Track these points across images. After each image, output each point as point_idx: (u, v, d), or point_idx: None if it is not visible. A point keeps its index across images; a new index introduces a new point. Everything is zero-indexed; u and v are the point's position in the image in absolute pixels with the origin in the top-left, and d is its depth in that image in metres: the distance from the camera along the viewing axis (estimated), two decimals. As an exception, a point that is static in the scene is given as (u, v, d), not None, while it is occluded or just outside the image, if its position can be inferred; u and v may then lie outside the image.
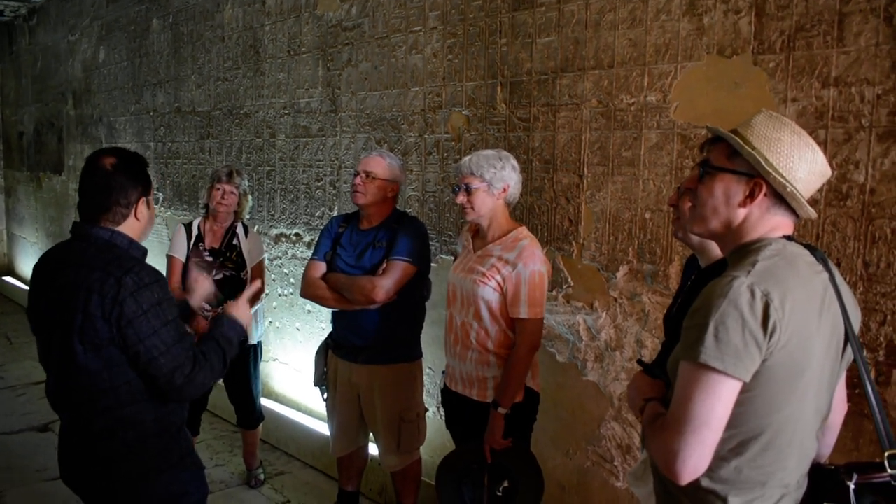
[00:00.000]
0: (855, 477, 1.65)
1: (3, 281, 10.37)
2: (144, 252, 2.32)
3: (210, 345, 2.32)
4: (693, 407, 1.51)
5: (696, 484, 1.62)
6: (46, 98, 9.55)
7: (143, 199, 2.27)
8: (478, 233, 3.09)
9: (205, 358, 2.25)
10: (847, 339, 1.69)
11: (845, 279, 2.54)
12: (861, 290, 2.54)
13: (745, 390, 1.54)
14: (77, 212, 2.32)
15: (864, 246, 2.52)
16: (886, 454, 1.64)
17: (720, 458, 1.60)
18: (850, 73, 2.50)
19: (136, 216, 2.26)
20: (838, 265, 2.57)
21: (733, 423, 1.56)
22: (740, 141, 1.64)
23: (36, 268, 2.35)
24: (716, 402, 1.50)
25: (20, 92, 10.51)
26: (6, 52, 11.00)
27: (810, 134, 2.55)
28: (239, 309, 2.53)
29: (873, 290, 2.52)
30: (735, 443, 1.60)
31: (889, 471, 1.63)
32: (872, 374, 2.54)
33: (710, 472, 1.60)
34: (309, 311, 5.03)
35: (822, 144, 2.56)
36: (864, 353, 2.53)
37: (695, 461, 1.51)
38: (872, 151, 2.47)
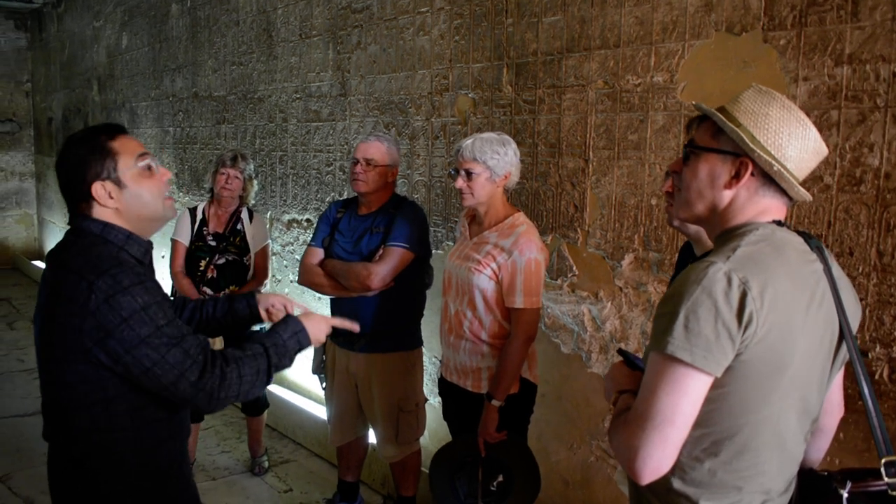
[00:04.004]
0: (849, 485, 1.52)
1: (34, 265, 10.48)
2: (147, 247, 1.95)
3: (252, 350, 1.90)
4: (657, 401, 1.39)
5: (667, 486, 1.50)
6: (73, 84, 9.61)
7: (100, 182, 1.84)
8: (474, 219, 2.98)
9: (227, 363, 1.83)
10: (842, 336, 1.55)
11: (858, 269, 2.40)
12: (875, 282, 2.38)
13: (718, 386, 1.41)
14: None
15: (878, 234, 2.37)
16: (883, 461, 1.50)
17: (693, 459, 1.48)
18: (865, 49, 2.34)
19: (101, 204, 1.86)
20: (851, 254, 2.42)
21: (706, 421, 1.44)
22: (723, 117, 1.51)
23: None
24: (681, 398, 1.38)
25: (49, 78, 10.60)
26: (36, 40, 11.11)
27: (822, 115, 2.43)
28: (313, 320, 2.09)
29: (888, 281, 2.36)
30: (708, 443, 1.47)
31: (886, 479, 1.50)
32: (886, 372, 2.39)
33: (683, 473, 1.49)
34: (319, 298, 4.95)
35: (835, 126, 2.41)
36: (878, 348, 2.39)
37: (656, 460, 1.39)
38: (888, 133, 2.31)
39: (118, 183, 1.86)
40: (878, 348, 2.39)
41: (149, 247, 1.97)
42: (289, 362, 1.99)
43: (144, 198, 1.90)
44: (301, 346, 2.01)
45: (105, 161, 1.85)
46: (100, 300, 1.72)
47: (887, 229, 2.35)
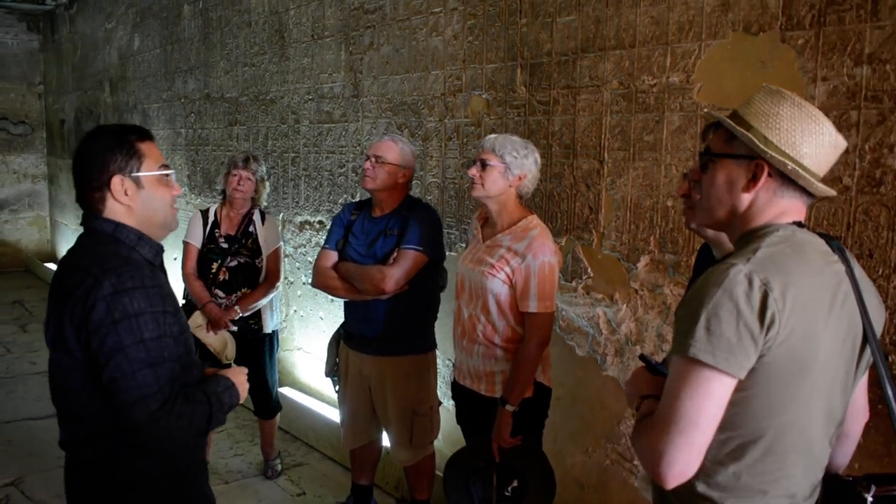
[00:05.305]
0: (873, 489, 1.51)
1: (46, 267, 10.52)
2: (158, 249, 1.95)
3: (197, 396, 1.86)
4: (681, 405, 1.38)
5: (691, 490, 1.49)
6: (85, 86, 9.64)
7: (119, 176, 1.85)
8: (487, 221, 2.96)
9: (186, 401, 1.80)
10: (866, 338, 1.53)
11: (878, 271, 2.37)
12: (895, 284, 2.35)
13: (742, 389, 1.40)
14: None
15: (899, 236, 2.34)
16: None
17: (717, 463, 1.47)
18: (885, 49, 2.31)
19: (115, 198, 1.86)
20: (870, 256, 2.39)
21: (731, 424, 1.43)
22: (731, 122, 1.50)
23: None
24: (705, 401, 1.37)
25: (61, 80, 10.64)
26: (49, 42, 11.15)
27: (841, 116, 2.40)
28: (238, 376, 2.05)
29: (908, 283, 2.33)
30: (733, 446, 1.46)
31: None
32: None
33: (707, 477, 1.47)
34: (332, 301, 4.96)
35: (854, 126, 2.38)
36: (898, 352, 2.36)
37: (682, 464, 1.38)
38: (909, 134, 2.29)
39: (137, 182, 1.89)
40: (898, 352, 2.36)
41: (160, 249, 1.97)
42: (223, 418, 1.93)
43: (157, 203, 1.93)
44: (231, 403, 1.97)
45: (131, 158, 1.87)
46: (99, 296, 1.73)
47: (908, 231, 2.32)
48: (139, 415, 1.74)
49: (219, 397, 1.91)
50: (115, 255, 1.82)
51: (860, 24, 2.36)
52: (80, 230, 1.95)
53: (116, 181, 1.86)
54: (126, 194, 1.87)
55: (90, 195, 1.89)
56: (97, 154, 1.87)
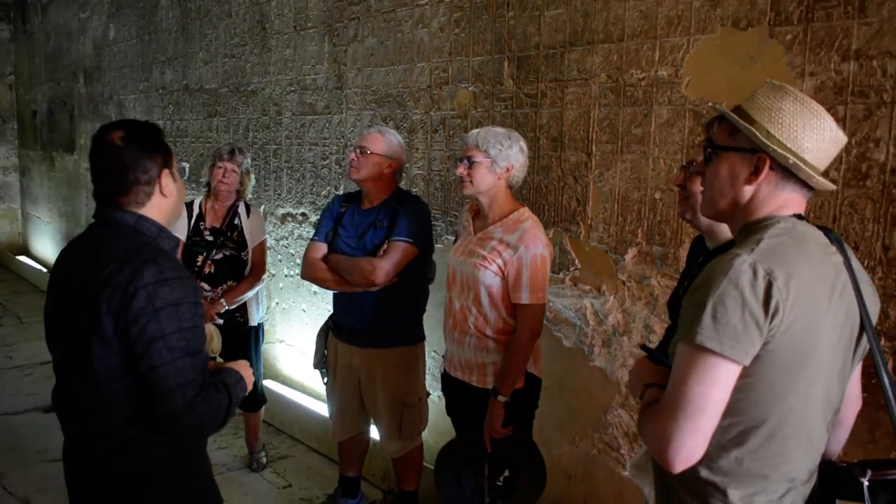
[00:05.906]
0: (869, 473, 1.56)
1: (18, 260, 10.37)
2: (176, 242, 2.01)
3: (219, 387, 1.90)
4: (688, 391, 1.42)
5: (694, 475, 1.53)
6: (59, 77, 9.50)
7: (167, 170, 1.93)
8: (478, 213, 2.98)
9: (216, 390, 1.86)
10: (863, 328, 1.58)
11: (864, 263, 2.42)
12: (880, 275, 2.41)
13: (746, 375, 1.45)
14: (93, 196, 1.98)
15: (883, 228, 2.39)
16: None
17: (720, 448, 1.51)
18: (872, 45, 2.36)
19: (161, 192, 1.93)
20: (856, 248, 2.44)
21: (734, 410, 1.47)
22: (735, 116, 1.55)
23: (56, 262, 2.01)
24: (712, 387, 1.41)
25: (33, 71, 10.48)
26: (20, 31, 10.97)
27: (828, 110, 2.41)
28: (245, 369, 2.08)
29: (893, 275, 2.39)
30: (736, 432, 1.51)
31: None
32: (890, 364, 2.42)
33: (710, 462, 1.52)
34: (315, 293, 4.96)
35: (841, 121, 2.43)
36: (883, 341, 2.41)
37: (688, 449, 1.42)
38: (894, 129, 2.34)
39: (173, 176, 1.97)
40: (883, 341, 2.42)
41: (177, 242, 2.03)
42: (235, 410, 1.97)
43: (181, 194, 2.03)
44: (243, 395, 2.01)
45: (169, 155, 1.97)
46: (140, 285, 1.76)
47: (893, 223, 2.37)
48: (178, 402, 1.77)
49: (234, 389, 1.94)
50: (147, 245, 1.86)
51: (847, 21, 2.40)
52: (52, 223, 1.98)
53: (166, 175, 1.94)
54: (168, 187, 1.95)
55: (137, 190, 1.91)
56: (145, 151, 1.91)
